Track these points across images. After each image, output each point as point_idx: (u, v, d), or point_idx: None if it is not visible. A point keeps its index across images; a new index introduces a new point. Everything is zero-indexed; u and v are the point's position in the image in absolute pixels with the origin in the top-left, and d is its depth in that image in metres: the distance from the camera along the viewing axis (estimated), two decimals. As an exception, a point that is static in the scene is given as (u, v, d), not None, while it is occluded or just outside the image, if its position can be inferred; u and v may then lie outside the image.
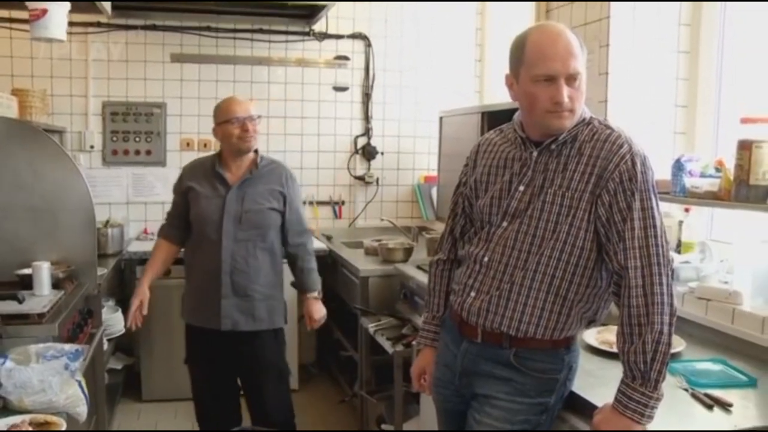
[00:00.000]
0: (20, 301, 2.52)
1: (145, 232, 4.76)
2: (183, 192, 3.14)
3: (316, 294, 3.23)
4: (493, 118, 3.50)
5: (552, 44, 1.75)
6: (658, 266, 1.70)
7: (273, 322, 3.10)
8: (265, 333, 3.08)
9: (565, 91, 1.75)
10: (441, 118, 4.48)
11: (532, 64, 1.76)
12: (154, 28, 4.71)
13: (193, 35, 4.79)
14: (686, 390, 1.94)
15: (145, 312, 3.11)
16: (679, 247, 2.82)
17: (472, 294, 1.91)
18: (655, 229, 1.73)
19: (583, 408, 1.88)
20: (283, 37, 4.93)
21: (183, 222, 3.15)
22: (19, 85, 4.28)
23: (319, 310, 3.24)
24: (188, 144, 4.85)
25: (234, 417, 3.20)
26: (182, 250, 3.23)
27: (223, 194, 3.03)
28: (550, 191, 1.82)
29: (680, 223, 2.84)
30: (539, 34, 1.79)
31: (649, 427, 1.68)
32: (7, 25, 4.42)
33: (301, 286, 3.25)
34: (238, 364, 3.12)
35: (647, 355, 1.67)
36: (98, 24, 4.57)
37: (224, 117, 3.04)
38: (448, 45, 5.15)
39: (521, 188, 1.87)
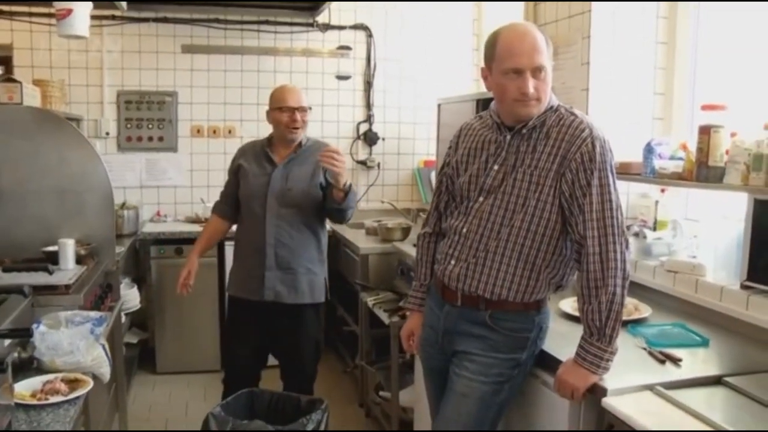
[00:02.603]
0: (51, 273, 2.76)
1: (158, 214, 5.01)
2: (234, 171, 3.29)
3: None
4: (488, 105, 3.65)
5: (519, 42, 1.98)
6: (613, 236, 1.93)
7: (314, 297, 3.21)
8: (307, 307, 3.20)
9: (531, 82, 1.97)
10: (439, 105, 4.63)
11: (502, 59, 1.99)
12: (165, 20, 4.92)
13: (202, 27, 5.00)
14: (644, 349, 2.16)
15: (191, 282, 3.28)
16: (654, 225, 3.03)
17: (452, 262, 2.14)
18: (611, 203, 1.95)
19: (553, 365, 2.07)
20: (288, 29, 5.14)
21: (234, 199, 3.29)
22: (38, 76, 4.51)
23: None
24: (198, 131, 5.07)
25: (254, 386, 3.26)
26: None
27: (269, 172, 3.16)
28: (520, 170, 2.04)
29: (656, 202, 3.04)
30: (508, 32, 2.02)
31: (606, 378, 1.91)
32: (27, 19, 4.65)
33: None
34: (278, 337, 3.22)
35: (602, 314, 1.90)
36: (112, 17, 4.80)
37: (276, 104, 3.17)
38: (446, 35, 5.35)
39: (496, 167, 2.09)
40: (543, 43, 1.99)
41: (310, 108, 3.23)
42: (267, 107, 3.23)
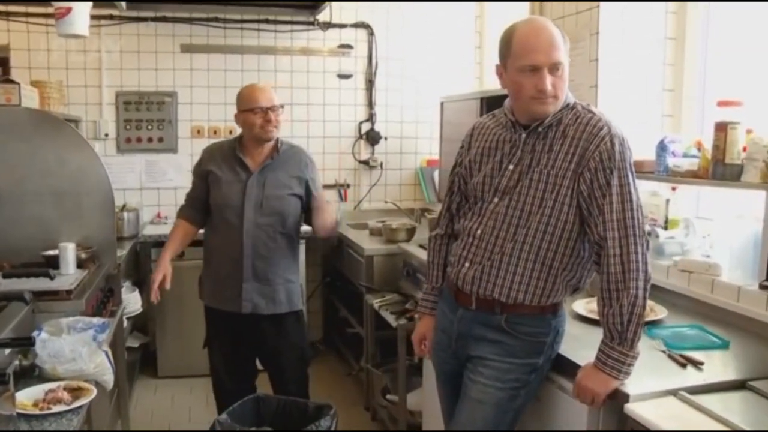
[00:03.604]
0: (52, 278, 2.70)
1: (159, 216, 4.95)
2: (203, 175, 3.13)
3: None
4: (492, 104, 3.59)
5: (535, 37, 1.92)
6: (634, 237, 1.87)
7: (292, 305, 3.13)
8: (287, 315, 3.11)
9: (549, 79, 1.91)
10: (442, 104, 4.60)
11: (518, 56, 1.93)
12: (164, 19, 4.86)
13: (201, 26, 4.94)
14: (664, 352, 2.11)
15: (168, 287, 3.08)
16: (666, 224, 2.98)
17: (466, 265, 2.08)
18: (632, 204, 1.90)
19: (570, 369, 2.03)
20: (288, 27, 5.07)
21: (202, 204, 3.15)
22: (36, 77, 4.45)
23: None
24: (198, 131, 5.01)
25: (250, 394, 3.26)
26: (201, 231, 3.24)
27: (244, 179, 3.03)
28: (536, 170, 1.99)
29: (667, 201, 2.99)
30: (524, 28, 1.96)
31: (627, 383, 1.86)
32: (24, 19, 4.58)
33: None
34: (260, 346, 3.16)
35: (624, 318, 1.85)
36: (111, 17, 4.73)
37: (247, 105, 3.02)
38: (449, 33, 5.29)
39: (511, 167, 2.04)
40: (560, 39, 1.93)
41: (282, 106, 3.09)
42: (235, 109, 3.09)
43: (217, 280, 3.12)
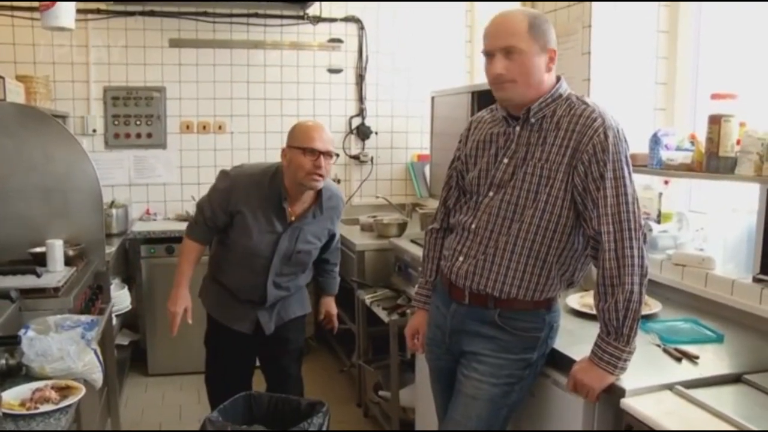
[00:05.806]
0: (39, 275, 2.66)
1: (148, 212, 4.90)
2: (229, 212, 2.85)
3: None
4: (483, 98, 3.60)
5: (491, 24, 1.96)
6: (629, 231, 1.85)
7: (304, 309, 3.15)
8: (296, 319, 3.11)
9: (501, 63, 1.91)
10: (433, 98, 4.57)
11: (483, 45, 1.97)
12: (152, 14, 4.80)
13: (190, 20, 4.89)
14: (659, 346, 2.10)
15: (190, 321, 2.97)
16: (658, 218, 2.97)
17: (461, 259, 2.06)
18: (627, 197, 1.87)
19: (565, 364, 2.01)
20: (278, 21, 5.03)
21: (217, 230, 2.96)
22: (22, 72, 4.38)
23: (335, 308, 3.39)
24: (188, 126, 4.96)
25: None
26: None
27: (279, 231, 2.84)
28: (531, 163, 1.96)
29: (660, 194, 2.98)
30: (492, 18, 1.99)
31: (623, 377, 1.84)
32: (9, 13, 4.51)
33: (327, 289, 3.33)
34: (264, 348, 3.11)
35: (619, 313, 1.83)
36: (98, 11, 4.67)
37: (299, 143, 2.74)
38: (439, 27, 5.26)
39: (505, 160, 2.01)
40: (519, 25, 1.91)
41: (338, 155, 2.90)
42: (285, 143, 2.84)
43: (231, 301, 3.01)
